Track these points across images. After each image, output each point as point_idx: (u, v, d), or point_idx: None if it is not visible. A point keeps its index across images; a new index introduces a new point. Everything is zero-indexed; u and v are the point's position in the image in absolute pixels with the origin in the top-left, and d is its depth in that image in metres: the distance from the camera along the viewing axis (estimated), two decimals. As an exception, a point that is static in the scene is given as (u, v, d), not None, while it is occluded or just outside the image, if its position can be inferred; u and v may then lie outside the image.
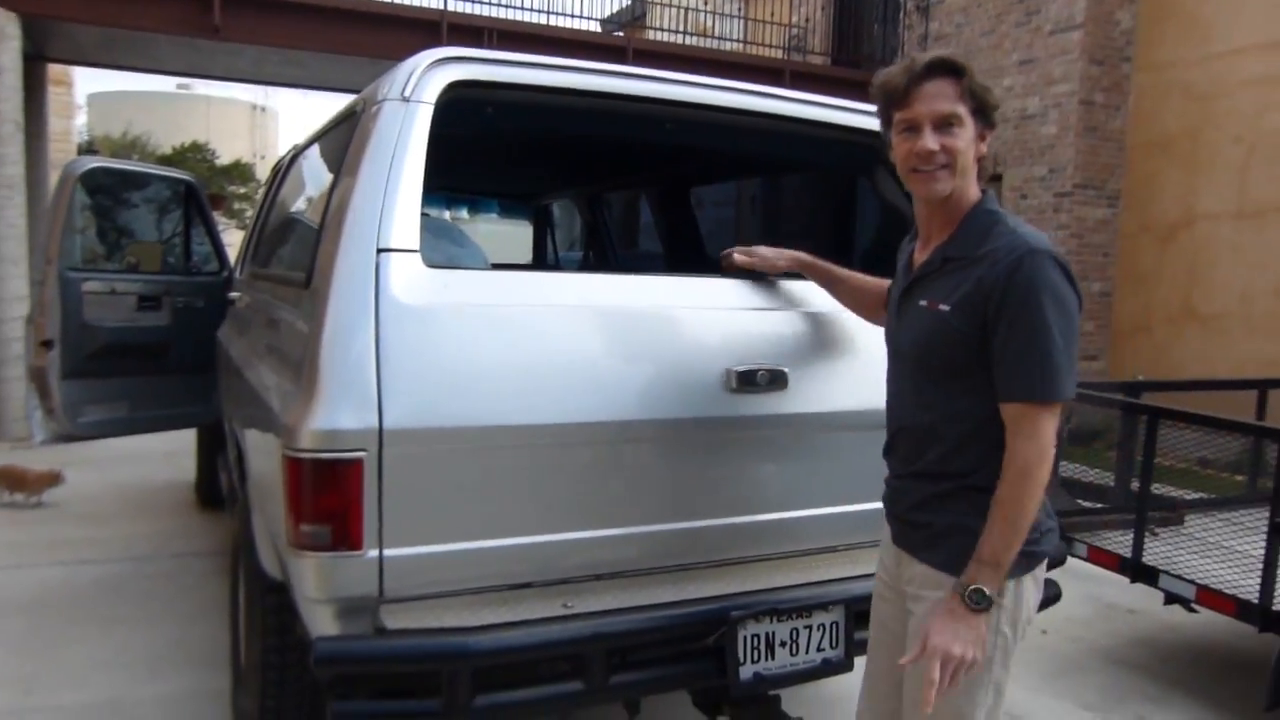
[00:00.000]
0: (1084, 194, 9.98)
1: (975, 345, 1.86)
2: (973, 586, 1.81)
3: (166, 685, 3.64)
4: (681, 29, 13.05)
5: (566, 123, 3.21)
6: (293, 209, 3.70)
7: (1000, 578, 1.83)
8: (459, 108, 2.49)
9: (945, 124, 1.90)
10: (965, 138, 1.90)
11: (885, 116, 2.00)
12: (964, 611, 1.82)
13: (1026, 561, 1.91)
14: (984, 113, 1.93)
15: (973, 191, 1.96)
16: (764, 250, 2.60)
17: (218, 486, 5.31)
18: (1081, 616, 4.70)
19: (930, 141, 1.89)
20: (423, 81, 2.38)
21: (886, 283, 2.41)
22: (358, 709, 2.13)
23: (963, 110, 1.90)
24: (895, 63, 1.99)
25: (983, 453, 1.88)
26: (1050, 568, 2.84)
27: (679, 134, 3.25)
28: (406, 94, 2.36)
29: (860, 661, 2.44)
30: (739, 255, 2.61)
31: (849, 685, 3.35)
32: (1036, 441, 1.79)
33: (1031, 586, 1.98)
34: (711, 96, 2.82)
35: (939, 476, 1.96)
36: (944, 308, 1.90)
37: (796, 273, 2.62)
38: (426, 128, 2.34)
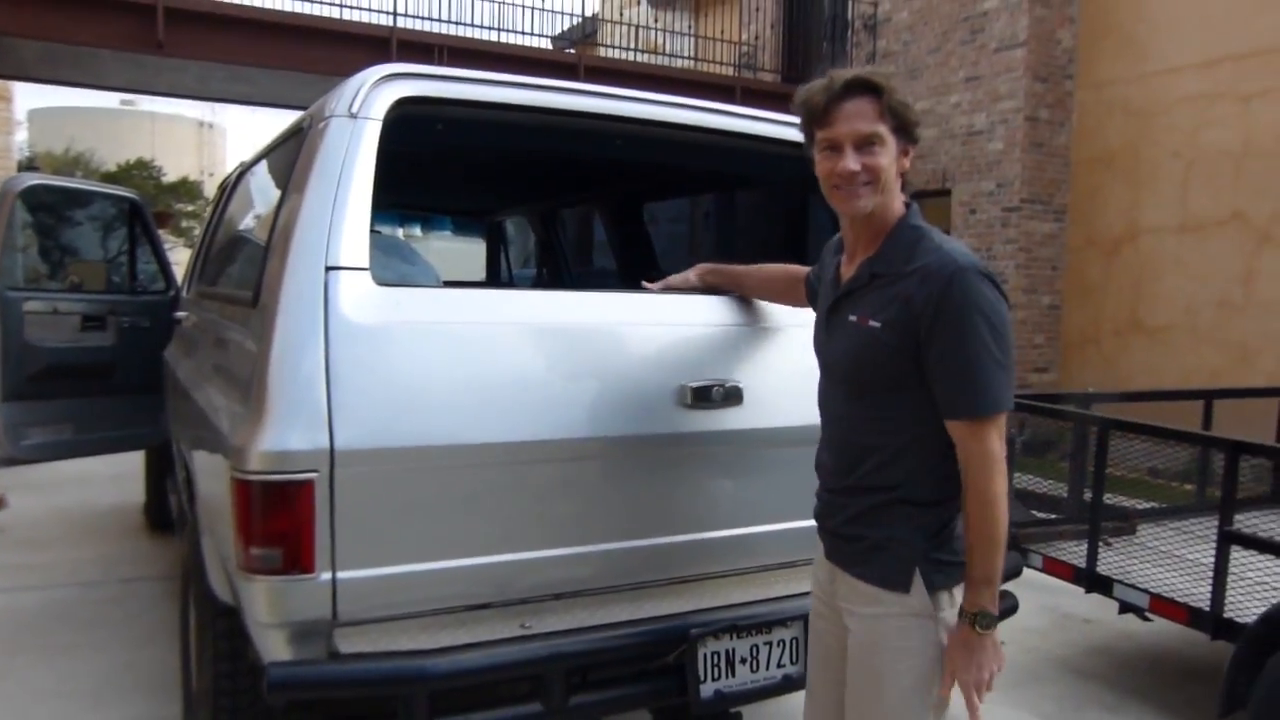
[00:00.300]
0: (1031, 208, 10.15)
1: (908, 360, 1.87)
2: (976, 612, 1.85)
3: (113, 713, 3.54)
4: (633, 46, 13.10)
5: (518, 139, 3.19)
6: (240, 227, 3.64)
7: (996, 592, 1.87)
8: (408, 124, 2.46)
9: (866, 143, 1.89)
10: (887, 156, 1.90)
11: (808, 133, 2.01)
12: (976, 639, 1.86)
13: (958, 570, 1.91)
14: (905, 130, 1.93)
15: (896, 206, 1.96)
16: (673, 277, 2.66)
17: (167, 509, 5.21)
18: (1038, 627, 4.74)
19: (852, 162, 1.89)
20: (370, 97, 2.36)
21: (794, 267, 2.49)
22: (310, 736, 2.09)
23: (883, 129, 1.89)
24: (815, 78, 1.99)
25: (914, 466, 1.91)
26: (1006, 579, 2.88)
27: (631, 150, 3.25)
28: (354, 110, 2.33)
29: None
30: (651, 286, 2.66)
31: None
32: (986, 457, 1.83)
33: None
34: (663, 113, 2.82)
35: (871, 490, 1.96)
36: (874, 324, 1.91)
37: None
38: (375, 144, 2.32)
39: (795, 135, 2.97)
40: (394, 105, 2.36)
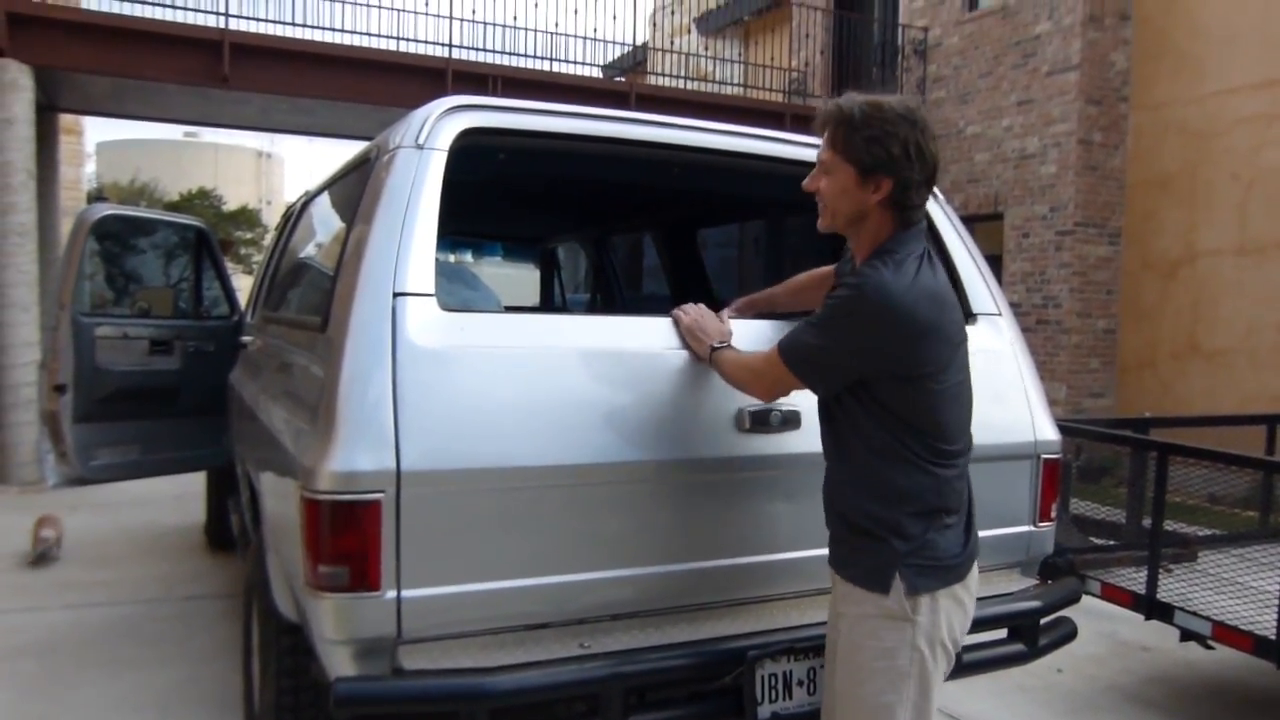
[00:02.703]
0: (1085, 232, 10.05)
1: None
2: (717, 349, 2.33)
3: (178, 730, 3.64)
4: (683, 74, 13.21)
5: (576, 167, 3.26)
6: (306, 254, 3.74)
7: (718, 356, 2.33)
8: (471, 154, 2.54)
9: (823, 169, 2.07)
10: (833, 184, 2.05)
11: None
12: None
13: (940, 575, 2.01)
14: (861, 165, 2.00)
15: (884, 233, 2.06)
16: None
17: (227, 529, 5.34)
18: (1096, 654, 4.67)
19: (808, 181, 2.11)
20: (436, 129, 2.44)
21: (823, 269, 2.58)
22: (374, 751, 2.13)
23: (832, 158, 2.04)
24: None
25: (877, 469, 2.03)
26: (1063, 606, 2.86)
27: (686, 178, 3.30)
28: (421, 141, 2.41)
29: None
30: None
31: None
32: (757, 374, 2.19)
33: (952, 607, 2.04)
34: (717, 141, 2.87)
35: (848, 494, 2.10)
36: None
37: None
38: (440, 174, 2.39)
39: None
40: (459, 136, 2.44)
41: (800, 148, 3.01)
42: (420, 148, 2.40)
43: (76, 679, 4.06)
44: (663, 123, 2.82)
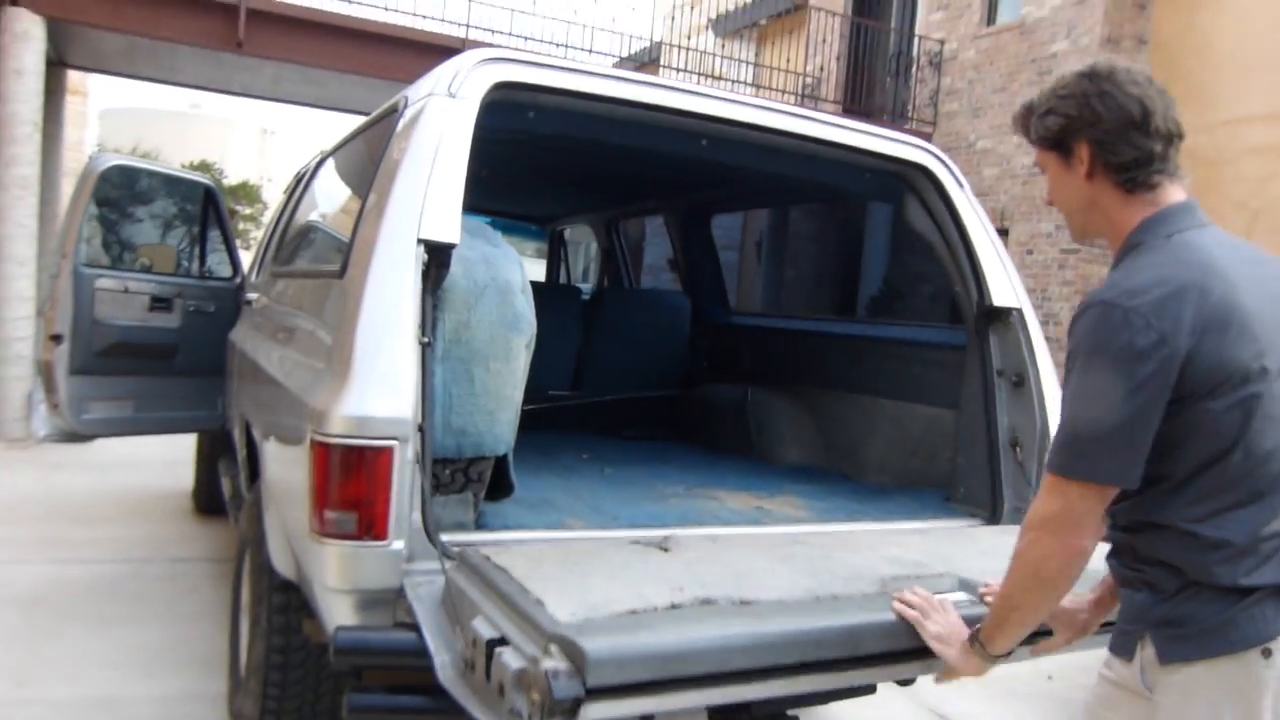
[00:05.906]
0: (1090, 251, 10.03)
1: None
2: (980, 637, 1.73)
3: (160, 685, 3.57)
4: (696, 70, 13.19)
5: (603, 132, 3.21)
6: (324, 206, 3.70)
7: (1007, 641, 1.70)
8: (502, 108, 2.50)
9: (1045, 173, 1.78)
10: (1050, 181, 1.76)
11: None
12: (965, 651, 1.77)
13: (1205, 642, 1.52)
14: (1053, 141, 1.71)
15: (1123, 217, 1.70)
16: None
17: (216, 494, 5.27)
18: (1087, 664, 4.63)
19: (1046, 194, 1.80)
20: (469, 78, 2.40)
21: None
22: (374, 702, 2.09)
23: (1039, 154, 1.77)
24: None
25: (1146, 517, 1.59)
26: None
27: (713, 151, 3.26)
28: (452, 90, 2.38)
29: (882, 686, 2.40)
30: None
31: (864, 711, 3.31)
32: (1046, 523, 1.55)
33: (1224, 696, 1.52)
34: (748, 114, 2.85)
35: (1117, 544, 1.68)
36: None
37: None
38: (471, 124, 2.36)
39: (880, 146, 3.00)
40: (491, 89, 2.41)
41: (831, 128, 2.97)
42: (452, 96, 2.37)
43: (61, 633, 3.99)
44: (692, 91, 2.80)
